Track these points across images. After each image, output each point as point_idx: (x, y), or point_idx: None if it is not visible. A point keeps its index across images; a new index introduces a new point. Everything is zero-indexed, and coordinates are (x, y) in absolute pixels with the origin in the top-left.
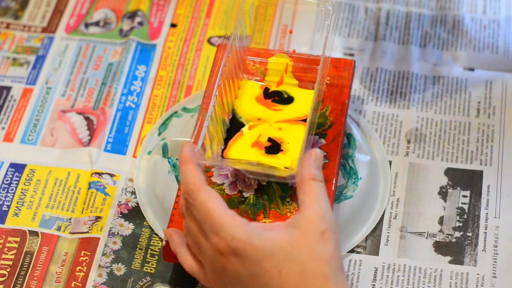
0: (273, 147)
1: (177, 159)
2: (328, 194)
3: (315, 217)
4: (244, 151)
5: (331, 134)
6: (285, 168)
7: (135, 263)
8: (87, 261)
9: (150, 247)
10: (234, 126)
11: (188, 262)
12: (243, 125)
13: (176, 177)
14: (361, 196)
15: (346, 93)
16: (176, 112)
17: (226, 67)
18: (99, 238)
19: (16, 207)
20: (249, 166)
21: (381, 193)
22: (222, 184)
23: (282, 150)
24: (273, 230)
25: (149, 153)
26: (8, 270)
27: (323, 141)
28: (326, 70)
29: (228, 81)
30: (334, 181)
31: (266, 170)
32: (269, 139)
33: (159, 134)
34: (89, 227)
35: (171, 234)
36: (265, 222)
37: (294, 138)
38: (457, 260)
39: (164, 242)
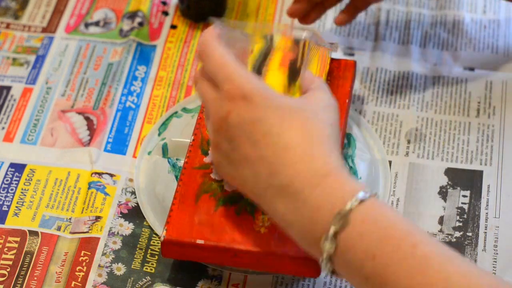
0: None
1: (177, 159)
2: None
3: (321, 95)
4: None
5: None
6: None
7: (135, 263)
8: (87, 261)
9: (150, 247)
10: None
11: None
12: None
13: (176, 177)
14: None
15: (347, 93)
16: (176, 113)
17: None
18: (99, 238)
19: (16, 207)
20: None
21: (381, 193)
22: (221, 180)
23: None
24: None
25: (149, 153)
26: (8, 270)
27: None
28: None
29: None
30: None
31: None
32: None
33: (159, 134)
34: (89, 227)
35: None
36: (263, 218)
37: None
38: None
39: (162, 238)
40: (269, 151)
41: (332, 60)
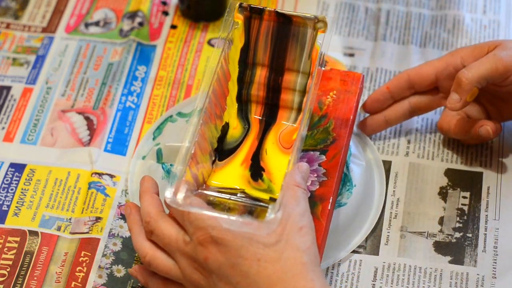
0: (256, 168)
1: (171, 165)
2: (324, 213)
3: (294, 214)
4: (232, 174)
5: (332, 150)
6: (270, 199)
7: (135, 265)
8: (87, 261)
9: None
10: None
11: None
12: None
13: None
14: (355, 203)
15: (351, 109)
16: (171, 117)
17: (213, 90)
18: (99, 239)
19: (16, 207)
20: (230, 203)
21: (376, 201)
22: None
23: (264, 170)
24: (253, 224)
25: (144, 158)
26: (8, 270)
27: (323, 157)
28: (318, 80)
29: (218, 97)
30: (331, 200)
31: (245, 217)
32: (253, 159)
33: (153, 139)
34: (89, 228)
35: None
36: None
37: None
38: (457, 260)
39: None
40: None
41: (340, 72)
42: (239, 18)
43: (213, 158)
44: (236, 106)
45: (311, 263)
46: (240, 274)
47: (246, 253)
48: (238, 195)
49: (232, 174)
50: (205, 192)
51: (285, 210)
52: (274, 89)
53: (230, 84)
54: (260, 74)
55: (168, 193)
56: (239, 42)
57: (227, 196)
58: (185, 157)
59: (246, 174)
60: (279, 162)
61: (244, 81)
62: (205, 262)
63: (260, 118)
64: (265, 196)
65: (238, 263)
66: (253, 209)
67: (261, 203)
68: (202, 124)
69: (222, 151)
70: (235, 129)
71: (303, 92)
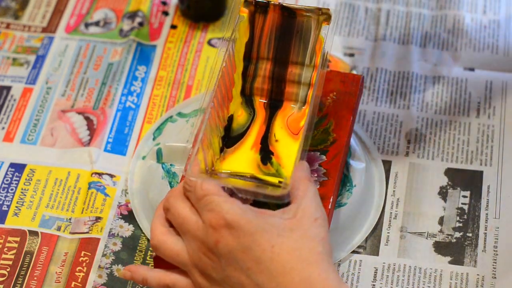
0: (266, 152)
1: (171, 164)
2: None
3: (308, 206)
4: (242, 159)
5: (332, 151)
6: (280, 182)
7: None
8: (87, 261)
9: (150, 249)
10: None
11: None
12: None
13: (170, 183)
14: (355, 203)
15: (352, 109)
16: (171, 117)
17: (222, 76)
18: (99, 239)
19: (16, 207)
20: (241, 183)
21: (376, 201)
22: None
23: (273, 154)
24: (267, 212)
25: (144, 158)
26: (8, 270)
27: (323, 157)
28: (321, 81)
29: (225, 85)
30: (331, 199)
31: (258, 189)
32: (262, 142)
33: (153, 139)
34: (89, 228)
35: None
36: None
37: (289, 152)
38: (457, 260)
39: (154, 254)
40: (264, 278)
41: (340, 74)
42: (244, 12)
43: (221, 146)
44: (240, 100)
45: (326, 254)
46: (251, 259)
47: (259, 238)
48: (248, 178)
49: (242, 158)
50: (215, 176)
51: (298, 202)
52: (278, 82)
53: (235, 77)
54: (265, 68)
55: (188, 168)
56: (244, 37)
57: (238, 178)
58: (199, 134)
59: (257, 157)
60: (289, 147)
61: (248, 75)
62: (216, 246)
63: (265, 101)
64: (274, 180)
65: (250, 248)
66: (265, 187)
67: (272, 184)
68: (212, 108)
69: (230, 138)
70: (240, 116)
71: (308, 85)
